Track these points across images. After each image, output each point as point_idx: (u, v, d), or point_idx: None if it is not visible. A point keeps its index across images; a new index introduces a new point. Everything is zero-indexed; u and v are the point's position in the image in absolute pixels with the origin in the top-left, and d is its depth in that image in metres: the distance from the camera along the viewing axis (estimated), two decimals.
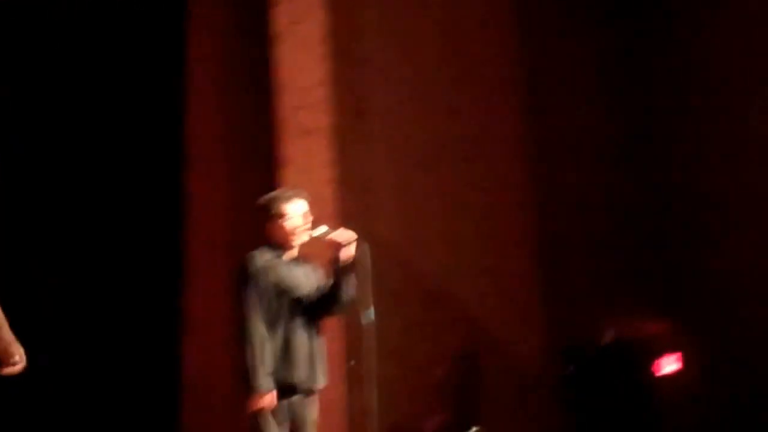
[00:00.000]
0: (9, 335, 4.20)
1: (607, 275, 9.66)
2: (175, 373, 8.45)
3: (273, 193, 5.82)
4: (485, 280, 9.16)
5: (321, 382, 5.57)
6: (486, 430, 7.74)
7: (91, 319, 8.30)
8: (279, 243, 5.63)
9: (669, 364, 8.50)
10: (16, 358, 4.14)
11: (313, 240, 5.65)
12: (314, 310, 5.58)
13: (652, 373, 8.46)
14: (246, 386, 5.33)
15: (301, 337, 5.48)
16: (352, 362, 5.45)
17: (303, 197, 5.74)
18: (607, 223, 9.76)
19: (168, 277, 8.54)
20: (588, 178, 9.71)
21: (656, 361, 8.46)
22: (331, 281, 5.60)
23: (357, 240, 5.56)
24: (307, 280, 5.65)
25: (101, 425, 8.17)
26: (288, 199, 5.71)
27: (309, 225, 5.66)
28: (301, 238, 5.64)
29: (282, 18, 8.64)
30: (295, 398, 5.48)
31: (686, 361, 8.53)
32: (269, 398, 5.33)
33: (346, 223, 7.75)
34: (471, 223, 9.22)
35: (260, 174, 8.87)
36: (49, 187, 8.36)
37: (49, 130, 8.42)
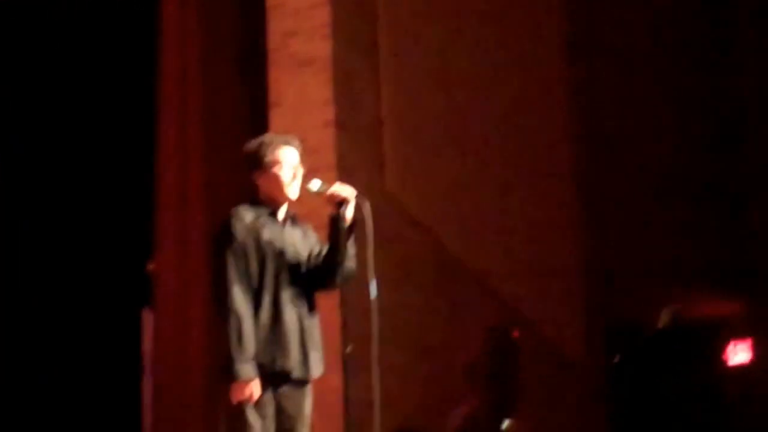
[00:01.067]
0: None
1: (665, 247, 9.60)
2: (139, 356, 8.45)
3: (261, 138, 5.56)
4: (517, 247, 9.09)
5: (316, 370, 5.32)
6: (521, 423, 7.69)
7: (54, 288, 8.45)
8: (268, 199, 5.40)
9: (739, 353, 8.41)
10: None
11: (306, 196, 5.52)
12: (308, 281, 5.36)
13: (720, 364, 8.37)
14: (225, 371, 5.12)
15: (291, 314, 5.26)
16: (350, 347, 5.29)
17: (294, 145, 5.55)
18: (666, 188, 9.74)
19: (135, 243, 8.52)
20: (642, 139, 9.77)
21: (724, 349, 8.38)
22: (326, 247, 5.38)
23: (358, 197, 5.37)
24: (301, 244, 5.42)
25: (62, 408, 8.32)
26: (280, 144, 5.48)
27: (300, 179, 5.50)
28: (292, 194, 5.46)
29: None
30: (285, 389, 5.27)
31: (760, 350, 8.46)
32: (251, 388, 5.10)
33: (346, 177, 7.70)
34: (501, 180, 9.13)
35: (243, 116, 8.76)
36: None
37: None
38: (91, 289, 8.46)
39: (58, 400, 8.39)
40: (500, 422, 7.52)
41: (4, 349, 8.27)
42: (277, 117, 8.23)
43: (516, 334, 7.88)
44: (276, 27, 8.33)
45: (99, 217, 8.53)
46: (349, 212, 5.37)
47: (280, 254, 5.33)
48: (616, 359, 8.41)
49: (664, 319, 8.35)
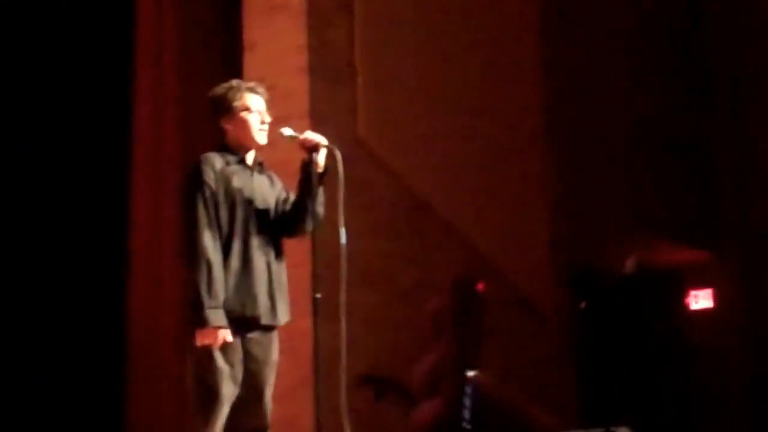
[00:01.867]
0: None
1: (630, 196, 9.59)
2: (118, 309, 8.35)
3: (228, 83, 5.48)
4: (486, 195, 9.06)
5: (283, 316, 5.29)
6: (487, 374, 7.69)
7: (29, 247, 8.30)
8: (236, 144, 5.33)
9: (701, 300, 8.43)
10: None
11: (279, 143, 5.46)
12: (276, 227, 5.33)
13: (683, 310, 8.39)
14: (193, 318, 5.06)
15: (260, 260, 5.22)
16: (318, 295, 5.25)
17: (260, 92, 5.44)
18: (633, 136, 9.74)
19: (109, 198, 8.44)
20: (610, 88, 9.75)
21: (687, 296, 8.39)
22: (296, 193, 5.34)
23: (329, 145, 5.32)
24: (269, 191, 5.37)
25: (40, 365, 8.22)
26: (247, 90, 5.41)
27: (267, 126, 5.41)
28: (261, 140, 5.37)
29: None
30: (253, 335, 5.23)
31: (720, 300, 8.47)
32: (221, 334, 5.04)
33: (319, 123, 7.64)
34: (468, 127, 9.08)
35: (218, 59, 8.67)
36: None
37: None
38: (69, 260, 8.34)
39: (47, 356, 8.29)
40: (465, 372, 7.51)
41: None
42: (250, 61, 8.15)
43: (480, 286, 7.86)
44: None
45: (74, 166, 8.39)
46: (320, 158, 5.32)
47: (249, 201, 5.29)
48: (582, 306, 8.39)
49: (629, 266, 8.34)
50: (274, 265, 5.31)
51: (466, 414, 7.37)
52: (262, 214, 5.32)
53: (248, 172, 5.37)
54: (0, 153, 8.25)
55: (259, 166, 5.45)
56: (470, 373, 7.46)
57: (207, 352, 5.10)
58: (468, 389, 7.41)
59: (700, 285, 8.40)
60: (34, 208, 8.30)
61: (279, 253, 5.36)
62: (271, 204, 5.38)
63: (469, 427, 7.34)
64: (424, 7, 8.85)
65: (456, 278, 7.89)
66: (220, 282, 5.11)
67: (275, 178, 5.50)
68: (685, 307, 8.34)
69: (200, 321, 5.07)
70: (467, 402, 7.39)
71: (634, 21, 9.92)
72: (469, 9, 9.12)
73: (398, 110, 8.59)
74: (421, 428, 7.56)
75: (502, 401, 7.73)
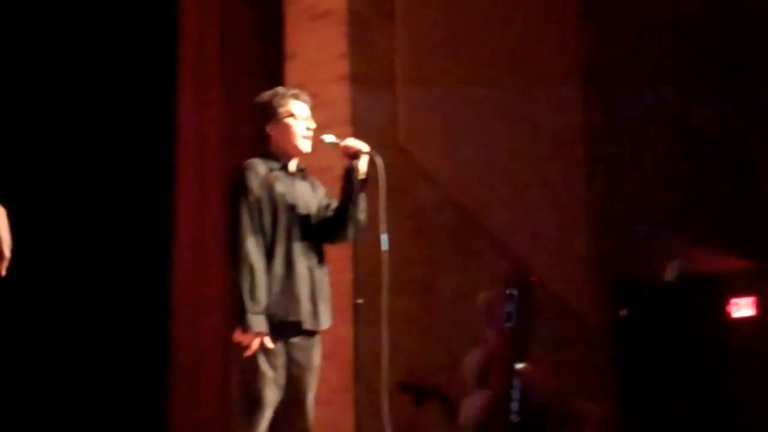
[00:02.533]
0: None
1: (673, 202, 9.53)
2: (162, 311, 8.41)
3: (273, 90, 5.47)
4: (528, 201, 9.02)
5: (325, 321, 5.27)
6: (536, 366, 7.65)
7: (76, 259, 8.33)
8: (280, 151, 5.33)
9: (743, 308, 8.37)
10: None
11: (321, 150, 5.46)
12: (318, 233, 5.31)
13: (724, 317, 8.34)
14: (237, 322, 5.06)
15: (302, 266, 5.21)
16: (360, 300, 5.24)
17: (304, 99, 5.44)
18: (676, 143, 9.67)
19: (154, 202, 8.50)
20: (653, 94, 9.68)
21: (728, 304, 8.33)
22: (338, 200, 5.33)
23: (370, 152, 5.30)
24: (311, 197, 5.36)
25: (86, 381, 8.25)
26: (292, 97, 5.41)
27: (311, 133, 5.40)
28: (304, 147, 5.36)
29: None
30: (296, 340, 5.22)
31: (762, 308, 8.41)
32: (261, 339, 5.04)
33: (360, 130, 7.64)
34: (510, 134, 9.06)
35: (260, 68, 8.68)
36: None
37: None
38: (116, 262, 8.39)
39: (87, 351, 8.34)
40: (515, 364, 7.47)
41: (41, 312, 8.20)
42: (292, 70, 8.17)
43: (534, 278, 7.83)
44: None
45: (120, 170, 8.43)
46: (362, 165, 5.30)
47: (292, 207, 5.28)
48: (623, 313, 8.35)
49: (670, 273, 8.29)
50: (317, 271, 5.30)
51: (515, 406, 7.34)
52: (304, 220, 5.30)
53: (291, 178, 5.36)
54: (55, 156, 8.29)
55: (302, 172, 5.44)
56: (519, 366, 7.44)
57: (251, 357, 5.10)
58: (517, 382, 7.38)
59: (742, 293, 8.35)
60: (82, 211, 8.34)
61: (321, 259, 5.35)
62: (313, 210, 5.37)
63: (517, 419, 7.30)
64: (465, 14, 8.83)
65: (508, 270, 7.85)
66: (263, 287, 5.11)
67: (317, 184, 5.49)
68: (727, 315, 8.29)
69: (242, 325, 5.06)
70: (516, 394, 7.36)
71: (674, 25, 9.85)
72: (510, 15, 9.09)
73: (439, 117, 8.57)
74: (470, 420, 7.53)
75: (550, 393, 7.70)
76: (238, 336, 5.08)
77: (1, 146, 7.94)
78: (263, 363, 5.12)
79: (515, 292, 7.48)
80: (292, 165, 5.40)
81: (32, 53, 8.34)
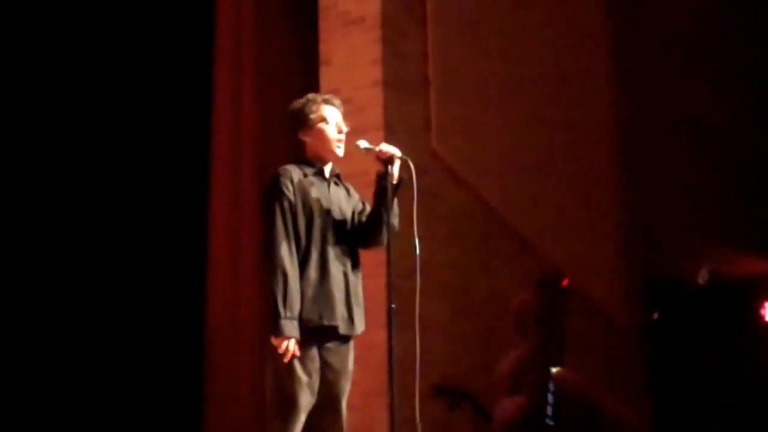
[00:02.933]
0: None
1: (704, 206, 9.50)
2: (198, 317, 8.43)
3: (305, 97, 5.49)
4: (559, 205, 9.02)
5: (359, 326, 5.29)
6: (570, 370, 7.64)
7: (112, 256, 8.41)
8: (314, 156, 5.36)
9: None
10: None
11: (354, 155, 5.46)
12: (353, 238, 5.34)
13: (757, 321, 8.29)
14: (270, 327, 5.07)
15: (337, 271, 5.24)
16: (393, 305, 5.24)
17: (336, 104, 5.46)
18: (706, 147, 9.65)
19: (190, 207, 8.53)
20: (684, 99, 9.67)
21: (762, 307, 8.29)
22: (372, 205, 5.34)
23: (404, 157, 5.31)
24: (345, 202, 5.39)
25: (123, 374, 8.32)
26: (326, 101, 5.44)
27: (344, 137, 5.41)
28: (339, 151, 5.39)
29: None
30: (330, 345, 5.25)
31: None
32: (292, 344, 5.04)
33: (393, 135, 7.65)
34: (541, 139, 9.05)
35: (295, 74, 8.70)
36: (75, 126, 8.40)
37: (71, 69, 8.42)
38: (149, 250, 8.43)
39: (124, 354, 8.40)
40: (549, 368, 7.47)
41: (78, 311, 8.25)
42: (326, 75, 8.17)
43: (566, 282, 7.82)
44: None
45: (155, 178, 8.48)
46: (395, 170, 5.30)
47: (327, 212, 5.29)
48: (655, 316, 8.33)
49: (702, 276, 8.25)
50: (351, 276, 5.31)
51: (550, 410, 7.34)
52: (339, 225, 5.32)
53: (325, 183, 5.37)
54: (93, 165, 8.34)
55: (336, 177, 5.46)
56: (553, 370, 7.43)
57: (286, 361, 5.10)
58: (551, 385, 7.38)
59: None
60: (120, 217, 8.39)
61: (356, 264, 5.37)
62: (348, 215, 5.38)
63: (552, 422, 7.30)
64: (497, 20, 8.84)
65: (541, 274, 7.85)
66: (296, 293, 5.12)
67: (352, 189, 5.51)
68: (760, 318, 8.24)
69: (275, 331, 5.07)
70: (550, 398, 7.36)
71: (702, 31, 9.84)
72: (542, 21, 9.11)
73: (472, 122, 8.58)
74: (505, 424, 7.53)
75: (584, 397, 7.69)
76: (273, 340, 5.10)
77: (35, 154, 8.01)
78: (298, 367, 5.13)
79: (549, 297, 7.50)
80: (327, 170, 5.41)
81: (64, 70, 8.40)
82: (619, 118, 9.33)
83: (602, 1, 9.60)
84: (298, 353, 5.10)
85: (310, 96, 5.54)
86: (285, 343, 5.07)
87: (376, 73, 8.02)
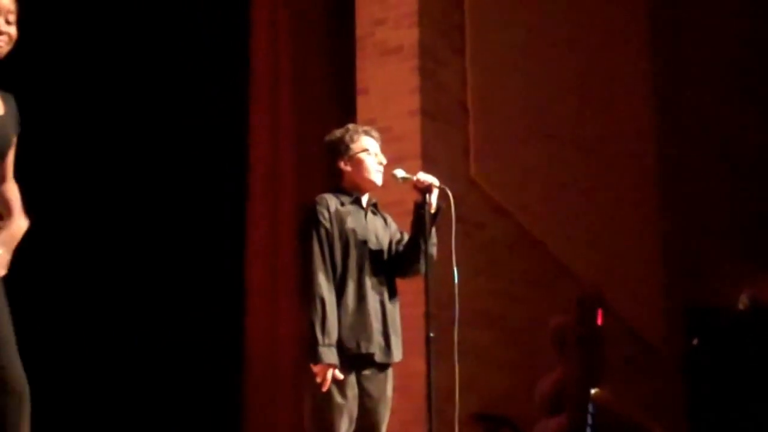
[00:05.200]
0: None
1: (744, 230, 9.43)
2: (238, 342, 8.43)
3: (346, 127, 5.49)
4: (598, 231, 8.97)
5: (397, 354, 5.25)
6: (610, 392, 7.58)
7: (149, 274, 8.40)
8: (352, 186, 5.34)
9: None
10: None
11: (392, 184, 5.45)
12: (390, 268, 5.30)
13: None
14: (309, 355, 5.05)
15: (374, 300, 5.21)
16: (432, 334, 5.23)
17: (374, 135, 5.44)
18: (746, 171, 9.60)
19: (228, 236, 8.53)
20: (722, 124, 9.62)
21: None
22: (409, 234, 5.30)
23: (441, 186, 5.28)
24: (382, 231, 5.36)
25: (162, 399, 8.30)
26: (366, 132, 5.43)
27: (382, 168, 5.39)
28: (377, 181, 5.37)
29: None
30: (368, 372, 5.21)
31: None
32: (333, 372, 5.02)
33: (431, 164, 7.64)
34: (580, 166, 9.02)
35: (332, 103, 8.72)
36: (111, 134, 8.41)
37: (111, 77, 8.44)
38: (189, 278, 8.44)
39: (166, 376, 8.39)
40: (588, 390, 7.42)
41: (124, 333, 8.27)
42: (363, 104, 8.17)
43: (604, 304, 7.78)
44: (364, 15, 8.27)
45: (193, 206, 8.49)
46: (433, 199, 5.29)
47: (364, 242, 5.27)
48: (695, 342, 8.25)
49: (743, 302, 8.18)
50: (388, 305, 5.29)
51: (589, 430, 7.29)
52: (376, 255, 5.29)
53: (362, 212, 5.35)
54: (128, 196, 8.37)
55: (373, 206, 5.44)
56: (593, 391, 7.38)
57: (324, 389, 5.07)
58: (591, 406, 7.33)
59: None
60: (158, 247, 8.40)
61: (393, 293, 5.34)
62: (385, 245, 5.36)
63: None
64: (535, 47, 8.83)
65: (580, 294, 7.80)
66: (334, 321, 5.10)
67: (389, 219, 5.49)
68: None
69: (314, 358, 5.05)
70: (590, 419, 7.31)
71: (746, 59, 9.79)
72: (580, 47, 9.08)
73: (510, 150, 8.55)
74: None
75: (623, 418, 7.63)
76: (313, 368, 5.08)
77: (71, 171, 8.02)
78: (336, 394, 5.10)
79: (588, 317, 7.46)
80: (364, 199, 5.40)
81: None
82: (660, 144, 9.29)
83: (645, 30, 9.56)
84: (340, 376, 5.07)
85: (351, 126, 5.53)
86: (325, 371, 5.04)
87: (413, 102, 8.01)
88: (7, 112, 4.02)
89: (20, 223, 3.97)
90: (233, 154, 8.54)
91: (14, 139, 4.09)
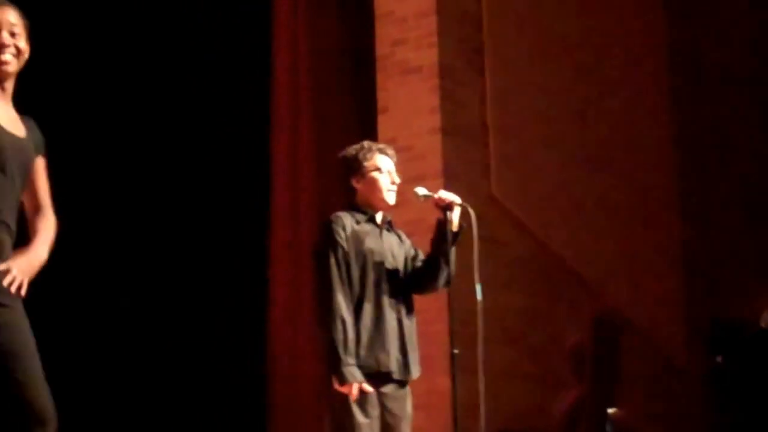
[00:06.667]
0: None
1: (767, 246, 9.41)
2: (260, 358, 8.44)
3: (360, 144, 5.49)
4: (619, 248, 8.97)
5: (415, 371, 5.26)
6: (627, 411, 7.57)
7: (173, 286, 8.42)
8: (366, 204, 5.35)
9: None
10: None
11: (413, 202, 5.47)
12: (407, 285, 5.31)
13: None
14: (330, 374, 5.07)
15: (391, 318, 5.22)
16: (456, 350, 5.23)
17: (390, 154, 5.44)
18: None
19: (250, 253, 8.54)
20: (743, 139, 9.61)
21: None
22: (429, 252, 5.31)
23: (463, 204, 5.30)
24: (398, 249, 5.36)
25: (186, 416, 8.30)
26: (380, 150, 5.43)
27: (395, 187, 5.38)
28: (390, 200, 5.36)
29: None
30: (388, 390, 5.22)
31: None
32: (358, 388, 5.03)
33: (452, 182, 7.66)
34: (601, 183, 9.02)
35: (353, 122, 8.74)
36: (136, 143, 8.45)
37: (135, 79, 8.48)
38: (212, 295, 8.47)
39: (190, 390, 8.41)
40: (606, 409, 7.41)
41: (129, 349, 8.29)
42: (384, 123, 8.19)
43: (620, 323, 7.77)
44: (384, 35, 8.29)
45: (215, 221, 8.53)
46: (455, 217, 5.30)
47: (381, 262, 5.28)
48: (719, 359, 8.23)
49: (765, 319, 8.17)
50: (405, 322, 5.29)
51: None
52: (392, 273, 5.30)
53: (378, 231, 5.36)
54: (152, 215, 8.41)
55: (388, 224, 5.45)
56: (610, 411, 7.37)
57: (346, 407, 5.09)
58: (609, 426, 7.31)
59: None
60: (182, 263, 8.43)
61: (410, 310, 5.35)
62: (401, 263, 5.36)
63: None
64: (555, 65, 8.84)
65: (596, 315, 7.80)
66: (354, 339, 5.12)
67: (403, 235, 5.50)
68: None
69: (338, 378, 5.06)
70: None
71: (766, 76, 9.80)
72: (601, 65, 9.10)
73: (531, 168, 8.56)
74: None
75: None
76: (337, 387, 5.10)
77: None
78: (358, 413, 5.11)
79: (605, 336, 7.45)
80: (378, 217, 5.40)
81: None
82: (681, 160, 9.29)
83: (665, 47, 9.57)
84: (369, 389, 5.09)
85: (365, 144, 5.53)
86: (350, 389, 5.06)
87: (434, 120, 8.02)
88: (29, 136, 4.03)
89: (39, 252, 3.95)
90: (254, 172, 8.55)
91: (39, 163, 4.09)
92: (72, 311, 7.90)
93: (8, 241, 3.88)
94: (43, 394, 3.84)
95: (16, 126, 3.99)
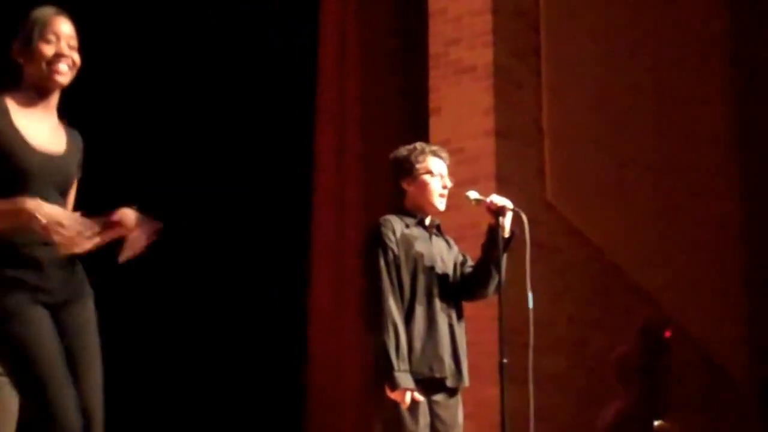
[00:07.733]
0: None
1: None
2: (300, 366, 8.43)
3: (412, 145, 5.38)
4: (675, 262, 8.84)
5: (466, 379, 5.19)
6: (674, 423, 7.47)
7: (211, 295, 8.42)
8: (415, 207, 5.27)
9: None
10: None
11: (465, 206, 5.39)
12: (457, 291, 5.24)
13: None
14: (380, 380, 4.97)
15: (443, 323, 5.14)
16: (505, 360, 5.14)
17: (443, 156, 5.35)
18: None
19: (293, 254, 8.52)
20: None
21: None
22: (480, 258, 5.21)
23: (515, 209, 5.19)
24: (447, 254, 5.28)
25: (226, 425, 8.31)
26: (433, 153, 5.33)
27: (447, 192, 5.30)
28: (440, 204, 5.27)
29: None
30: (439, 398, 5.13)
31: None
32: (410, 395, 4.93)
33: (506, 186, 7.56)
34: (661, 189, 8.90)
35: (403, 123, 8.68)
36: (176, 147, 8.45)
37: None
38: (252, 298, 8.44)
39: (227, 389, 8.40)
40: (652, 420, 7.31)
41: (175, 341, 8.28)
42: (436, 124, 8.11)
43: (668, 333, 7.65)
44: (437, 34, 8.20)
45: (259, 221, 8.50)
46: (507, 222, 5.19)
47: (431, 266, 5.20)
48: None
49: None
50: (456, 328, 5.21)
51: None
52: (442, 278, 5.22)
53: (427, 235, 5.27)
54: (196, 214, 8.39)
55: (436, 228, 5.36)
56: (656, 422, 7.26)
57: (396, 415, 4.99)
58: None
59: None
60: (223, 272, 8.40)
61: (460, 316, 5.26)
62: (450, 268, 5.28)
63: None
64: (610, 67, 8.74)
65: (643, 324, 7.67)
66: (406, 345, 5.03)
67: (451, 240, 5.42)
68: None
69: (390, 384, 4.97)
70: None
71: None
72: (657, 69, 8.98)
73: (587, 172, 8.44)
74: None
75: None
76: (389, 393, 4.99)
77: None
78: (408, 421, 5.01)
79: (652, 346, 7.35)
80: (427, 221, 5.31)
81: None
82: (741, 165, 9.15)
83: (724, 51, 9.46)
84: (420, 398, 5.00)
85: (418, 145, 5.43)
86: (403, 395, 4.96)
87: (488, 122, 7.92)
88: (69, 151, 3.99)
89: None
90: (299, 175, 8.54)
91: (76, 179, 4.07)
92: (107, 317, 7.88)
93: (46, 258, 3.83)
94: (95, 392, 3.93)
95: (55, 140, 3.96)
